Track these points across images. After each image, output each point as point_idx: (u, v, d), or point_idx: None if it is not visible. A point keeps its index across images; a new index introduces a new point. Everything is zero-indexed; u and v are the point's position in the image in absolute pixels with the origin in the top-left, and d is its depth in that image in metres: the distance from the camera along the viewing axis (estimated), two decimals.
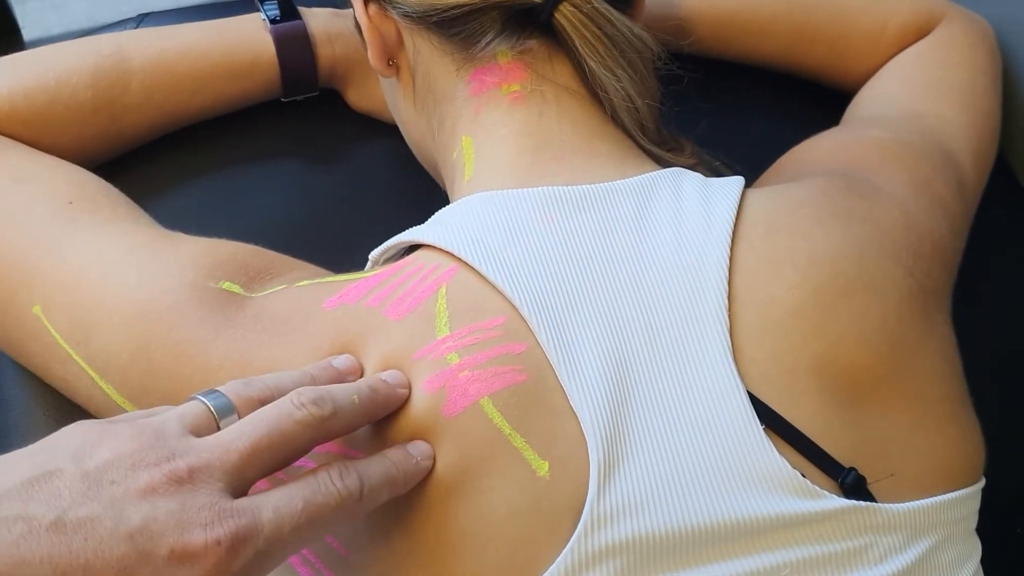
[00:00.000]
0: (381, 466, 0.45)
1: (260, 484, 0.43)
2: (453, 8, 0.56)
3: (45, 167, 0.61)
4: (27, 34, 1.38)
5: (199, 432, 0.42)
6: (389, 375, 0.47)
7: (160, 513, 0.38)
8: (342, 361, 0.49)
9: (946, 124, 0.67)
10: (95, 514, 0.37)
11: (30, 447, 0.40)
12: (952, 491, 0.51)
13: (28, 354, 0.58)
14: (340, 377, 0.48)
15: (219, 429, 0.43)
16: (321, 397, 0.44)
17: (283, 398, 0.44)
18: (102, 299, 0.54)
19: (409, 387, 0.47)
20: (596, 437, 0.46)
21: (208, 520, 0.38)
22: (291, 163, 0.72)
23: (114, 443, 0.40)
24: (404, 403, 0.47)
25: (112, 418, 0.43)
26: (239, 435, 0.42)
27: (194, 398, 0.44)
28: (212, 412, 0.43)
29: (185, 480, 0.39)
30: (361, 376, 0.48)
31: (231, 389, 0.44)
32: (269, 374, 0.47)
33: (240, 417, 0.44)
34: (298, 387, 0.45)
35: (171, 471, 0.39)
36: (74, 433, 0.41)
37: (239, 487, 0.41)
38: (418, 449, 0.46)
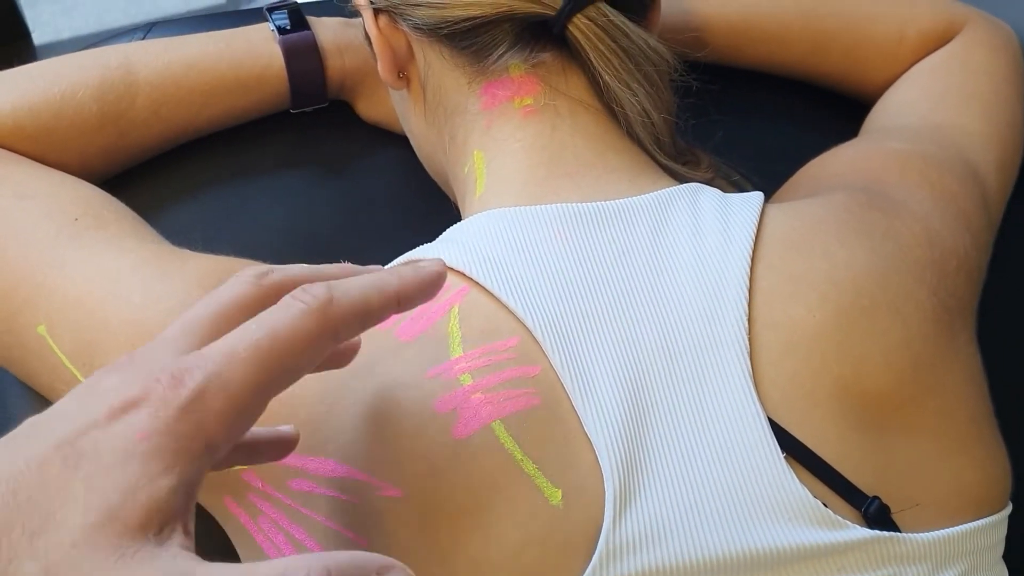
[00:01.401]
0: (360, 279, 0.38)
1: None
2: (464, 21, 0.54)
3: (50, 183, 0.60)
4: (37, 38, 1.38)
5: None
6: (425, 260, 0.41)
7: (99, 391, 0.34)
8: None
9: (968, 135, 0.65)
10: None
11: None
12: (979, 519, 0.49)
13: (33, 374, 0.57)
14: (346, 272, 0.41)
15: None
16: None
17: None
18: (107, 319, 0.53)
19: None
20: (612, 464, 0.45)
21: (153, 373, 0.34)
22: (300, 175, 0.71)
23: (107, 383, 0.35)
24: (415, 425, 0.46)
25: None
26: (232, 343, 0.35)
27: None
28: None
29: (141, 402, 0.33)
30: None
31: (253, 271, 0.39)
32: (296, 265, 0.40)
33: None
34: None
35: (155, 381, 0.34)
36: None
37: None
38: (425, 262, 0.40)
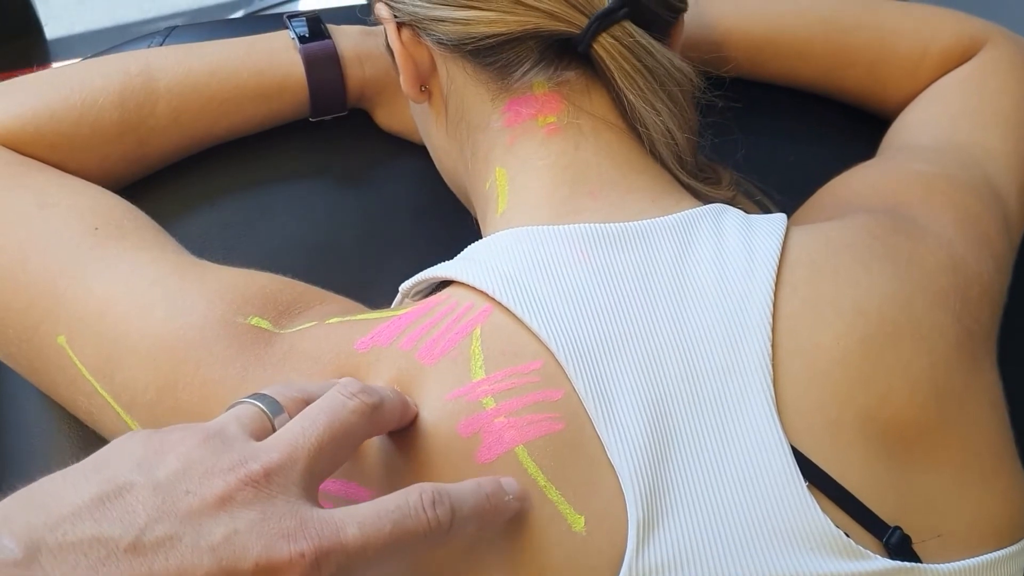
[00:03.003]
0: (474, 497, 0.43)
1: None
2: (489, 37, 0.54)
3: (71, 191, 0.60)
4: (50, 32, 1.37)
5: (257, 434, 0.41)
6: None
7: (241, 525, 0.36)
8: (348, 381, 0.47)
9: (990, 155, 0.65)
10: (174, 531, 0.36)
11: (85, 462, 0.38)
12: (1000, 548, 0.49)
13: (53, 384, 0.57)
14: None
15: (274, 429, 0.42)
16: (368, 387, 0.44)
17: (332, 391, 0.43)
18: (127, 332, 0.53)
19: (416, 406, 0.47)
20: (635, 491, 0.45)
21: (291, 531, 0.37)
22: (319, 184, 0.71)
23: (180, 450, 0.38)
24: (438, 448, 0.46)
25: (165, 428, 0.41)
26: (302, 432, 0.40)
27: (242, 402, 0.43)
28: (265, 412, 0.42)
29: (262, 484, 0.38)
30: None
31: (274, 391, 0.43)
32: (296, 381, 0.46)
33: (290, 417, 0.42)
34: (321, 387, 0.44)
35: (246, 475, 0.38)
36: (133, 443, 0.39)
37: (312, 488, 0.40)
38: (511, 486, 0.44)
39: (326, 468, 0.41)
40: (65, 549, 0.35)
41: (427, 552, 0.42)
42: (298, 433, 0.40)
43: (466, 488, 0.43)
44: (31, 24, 1.35)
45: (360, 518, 0.39)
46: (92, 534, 0.35)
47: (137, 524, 0.36)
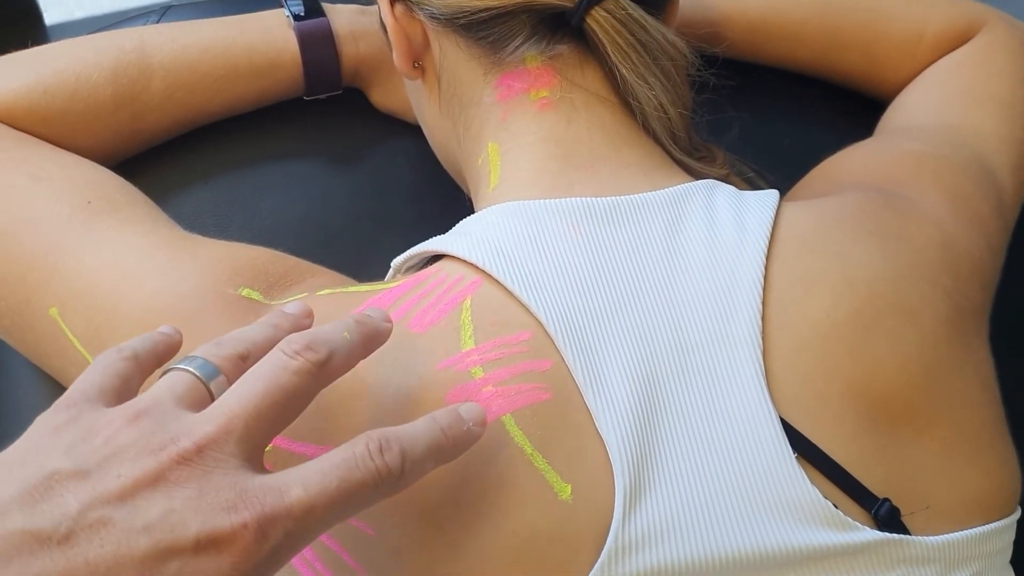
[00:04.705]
0: (428, 435, 0.41)
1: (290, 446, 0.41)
2: (482, 11, 0.54)
3: (64, 165, 0.60)
4: (49, 17, 1.37)
5: (194, 404, 0.39)
6: (372, 310, 0.45)
7: (177, 503, 0.35)
8: (294, 307, 0.46)
9: (984, 136, 0.65)
10: (106, 516, 0.35)
11: (10, 452, 0.37)
12: (989, 523, 0.49)
13: (45, 355, 0.57)
14: (296, 322, 0.45)
15: (212, 396, 0.40)
16: (314, 340, 0.41)
17: (273, 350, 0.41)
18: (118, 304, 0.53)
19: (391, 322, 0.45)
20: (622, 461, 0.45)
21: (230, 502, 0.36)
22: (312, 163, 0.71)
23: (108, 432, 0.37)
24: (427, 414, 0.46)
25: (92, 407, 0.39)
26: (238, 400, 0.38)
27: (172, 369, 0.41)
28: (199, 378, 0.40)
29: (195, 460, 0.36)
30: (312, 322, 0.46)
31: (207, 351, 0.41)
32: (232, 331, 0.44)
33: (227, 379, 0.41)
34: (264, 337, 0.43)
35: (179, 453, 0.36)
36: (58, 426, 0.38)
37: (253, 456, 0.38)
38: (470, 412, 0.43)
39: (268, 433, 0.39)
40: None
41: (384, 498, 0.40)
42: (233, 403, 0.38)
43: (418, 427, 0.41)
44: (30, 9, 1.35)
45: (303, 478, 0.37)
46: (22, 527, 0.34)
47: (68, 514, 0.35)
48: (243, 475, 0.37)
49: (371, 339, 0.44)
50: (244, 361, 0.41)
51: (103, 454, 0.36)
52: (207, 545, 0.35)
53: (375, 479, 0.39)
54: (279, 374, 0.40)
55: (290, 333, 0.43)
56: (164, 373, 0.41)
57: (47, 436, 0.37)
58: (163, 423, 0.37)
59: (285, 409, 0.40)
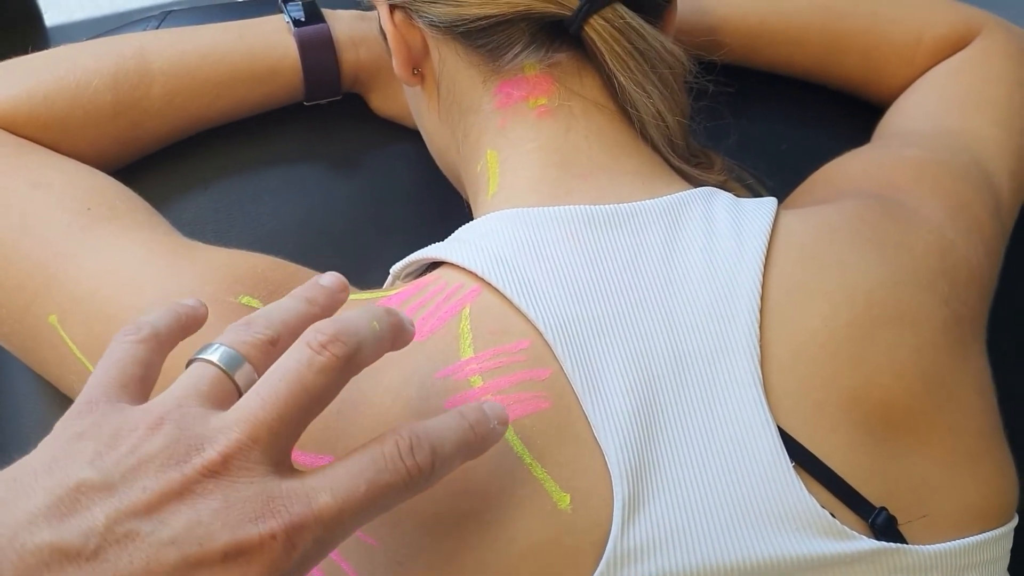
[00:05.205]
0: (456, 432, 0.40)
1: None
2: (481, 19, 0.54)
3: (64, 172, 0.60)
4: (49, 19, 1.37)
5: (219, 401, 0.38)
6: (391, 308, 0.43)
7: (204, 515, 0.35)
8: (329, 280, 0.44)
9: (983, 141, 0.65)
10: (134, 530, 0.34)
11: (33, 460, 0.37)
12: (986, 531, 0.49)
13: (44, 363, 0.57)
14: (332, 296, 0.44)
15: (237, 388, 0.39)
16: (342, 330, 0.39)
17: (299, 342, 0.39)
18: (118, 311, 0.53)
19: (413, 324, 0.43)
20: (621, 470, 0.45)
21: (258, 512, 0.35)
22: (312, 168, 0.71)
23: (133, 440, 0.36)
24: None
25: (116, 410, 0.38)
26: (262, 404, 0.37)
27: (198, 359, 0.40)
28: (224, 372, 0.39)
29: (220, 471, 0.36)
30: (348, 295, 0.45)
31: (234, 337, 0.40)
32: (261, 308, 0.42)
33: (255, 368, 0.39)
34: (297, 315, 0.41)
35: (204, 464, 0.36)
36: (81, 432, 0.37)
37: (280, 460, 0.38)
38: (494, 410, 0.42)
39: (293, 434, 0.39)
40: (26, 559, 0.34)
41: (412, 496, 0.40)
42: (257, 407, 0.37)
43: (447, 422, 0.40)
44: (31, 12, 1.36)
45: (331, 482, 0.37)
46: (51, 541, 0.34)
47: (96, 529, 0.34)
48: (270, 482, 0.36)
49: (399, 332, 0.42)
50: (274, 346, 0.40)
51: (128, 465, 0.36)
52: (235, 556, 0.35)
53: (405, 480, 0.38)
54: (304, 374, 0.38)
55: (324, 310, 0.42)
56: (189, 363, 0.40)
57: (72, 443, 0.37)
58: (188, 428, 0.37)
59: (310, 409, 0.39)
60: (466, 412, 0.41)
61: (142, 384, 0.40)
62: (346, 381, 0.40)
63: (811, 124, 0.76)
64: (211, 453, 0.36)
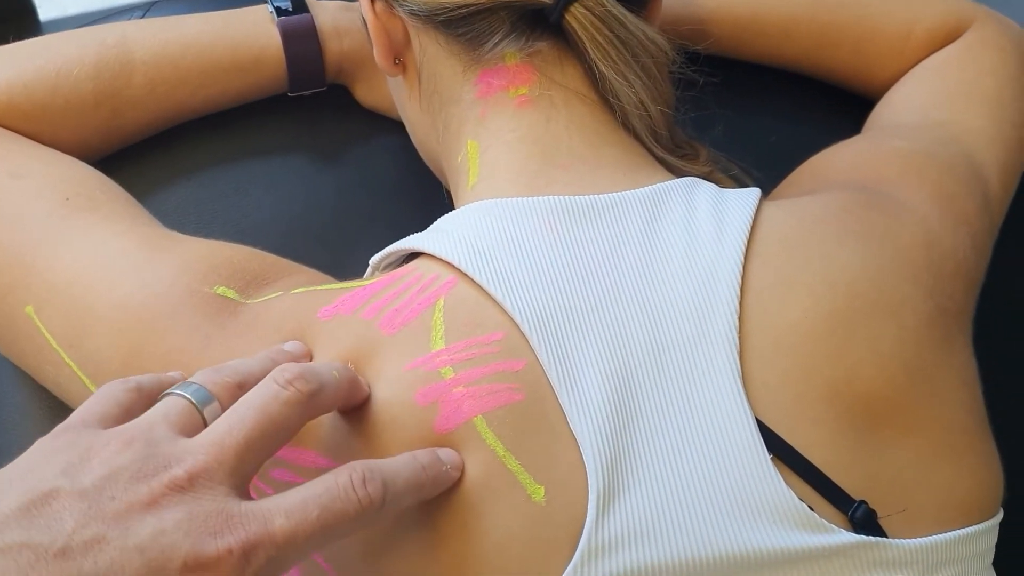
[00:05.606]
0: (408, 469, 0.43)
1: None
2: (461, 7, 0.54)
3: (43, 162, 0.60)
4: (42, 13, 1.37)
5: (187, 430, 0.41)
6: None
7: (168, 525, 0.37)
8: (292, 346, 0.48)
9: (972, 134, 0.64)
10: (102, 534, 0.36)
11: (9, 469, 0.39)
12: (969, 526, 0.48)
13: (21, 354, 0.57)
14: (294, 360, 0.47)
15: (204, 421, 0.42)
16: (307, 370, 0.43)
17: (266, 379, 0.43)
18: (94, 302, 0.52)
19: (369, 388, 0.46)
20: (596, 462, 0.44)
21: (217, 528, 0.37)
22: (296, 160, 0.71)
23: (105, 455, 0.39)
24: (395, 417, 0.46)
25: (90, 429, 0.41)
26: (228, 430, 0.40)
27: (170, 394, 0.43)
28: (194, 405, 0.42)
29: (186, 488, 0.38)
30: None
31: (204, 378, 0.43)
32: (233, 361, 0.46)
33: (221, 405, 0.43)
34: (262, 369, 0.44)
35: (171, 480, 0.38)
36: (57, 447, 0.39)
37: (241, 483, 0.40)
38: (448, 456, 0.45)
39: (256, 461, 0.41)
40: None
41: (364, 529, 0.42)
42: (224, 432, 0.40)
43: (399, 462, 0.43)
44: (24, 5, 1.35)
45: (287, 506, 0.39)
46: (21, 540, 0.36)
47: (65, 529, 0.36)
48: (231, 502, 0.39)
49: (356, 385, 0.46)
50: (240, 389, 0.43)
51: (99, 475, 0.38)
52: (194, 567, 0.37)
53: (356, 509, 0.40)
54: (270, 404, 0.42)
55: None
56: (162, 396, 0.43)
57: (46, 456, 0.39)
58: (156, 448, 0.39)
59: (274, 439, 0.42)
60: (419, 455, 0.44)
61: (118, 423, 0.42)
62: (308, 418, 0.44)
63: (799, 116, 0.75)
64: (178, 471, 0.38)
